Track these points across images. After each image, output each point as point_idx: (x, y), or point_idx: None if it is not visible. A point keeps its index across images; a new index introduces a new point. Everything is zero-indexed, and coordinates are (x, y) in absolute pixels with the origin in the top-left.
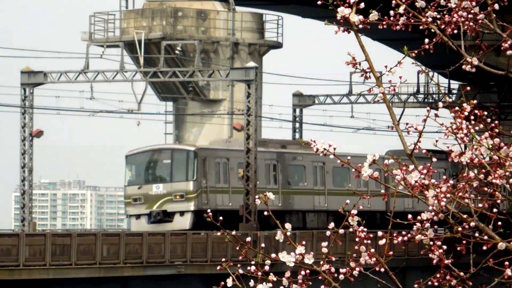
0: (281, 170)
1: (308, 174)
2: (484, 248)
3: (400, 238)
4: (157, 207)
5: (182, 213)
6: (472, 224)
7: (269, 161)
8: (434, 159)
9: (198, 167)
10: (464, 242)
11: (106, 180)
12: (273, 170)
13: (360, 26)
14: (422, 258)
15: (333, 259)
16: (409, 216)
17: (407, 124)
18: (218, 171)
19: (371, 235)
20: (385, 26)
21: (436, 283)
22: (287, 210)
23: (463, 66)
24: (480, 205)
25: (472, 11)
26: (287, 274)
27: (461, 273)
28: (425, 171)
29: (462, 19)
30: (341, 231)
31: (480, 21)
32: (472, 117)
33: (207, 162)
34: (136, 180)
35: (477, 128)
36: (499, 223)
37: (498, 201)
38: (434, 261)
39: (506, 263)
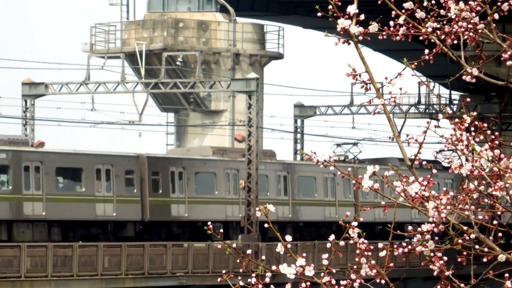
0: (14, 172)
1: (89, 178)
2: (485, 260)
3: (400, 250)
4: None
5: None
6: (473, 236)
7: None
8: (434, 171)
9: None
10: (464, 253)
11: None
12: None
13: (360, 37)
14: (423, 269)
15: (334, 271)
16: (410, 228)
17: (407, 135)
18: None
19: (372, 247)
20: (385, 37)
21: None
22: (52, 220)
23: (463, 77)
24: (480, 216)
25: (472, 21)
26: (288, 286)
27: (462, 284)
28: (425, 182)
29: (462, 29)
30: (342, 243)
31: (480, 31)
32: (472, 129)
33: None
34: None
35: (477, 139)
36: (500, 234)
37: (499, 213)
38: (435, 273)
39: (506, 275)
